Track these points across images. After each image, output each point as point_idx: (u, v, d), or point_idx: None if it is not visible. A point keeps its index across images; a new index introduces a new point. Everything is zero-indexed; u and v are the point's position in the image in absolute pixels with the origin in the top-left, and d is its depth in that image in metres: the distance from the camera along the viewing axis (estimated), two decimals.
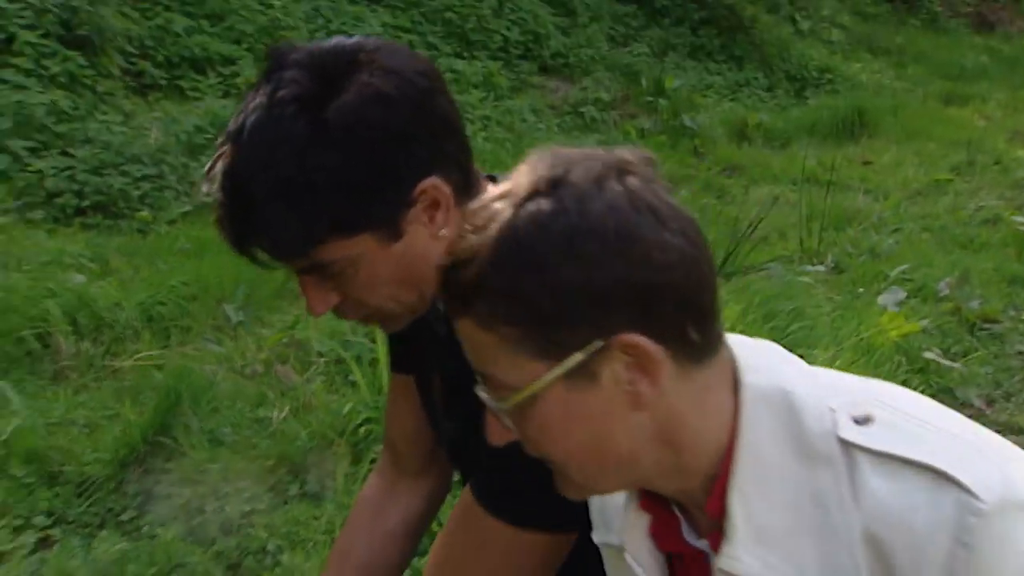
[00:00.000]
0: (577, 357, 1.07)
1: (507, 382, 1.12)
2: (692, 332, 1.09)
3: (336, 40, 1.43)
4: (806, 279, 5.00)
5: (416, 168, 1.39)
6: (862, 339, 4.06)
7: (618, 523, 1.29)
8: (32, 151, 5.15)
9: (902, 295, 4.44)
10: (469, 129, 6.79)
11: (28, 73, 5.62)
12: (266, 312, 4.16)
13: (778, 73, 10.11)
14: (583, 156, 1.12)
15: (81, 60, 5.88)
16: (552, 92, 8.27)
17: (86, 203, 4.98)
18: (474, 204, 1.14)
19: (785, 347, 3.87)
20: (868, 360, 3.95)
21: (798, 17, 11.56)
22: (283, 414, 3.35)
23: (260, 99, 1.35)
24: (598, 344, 1.07)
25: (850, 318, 4.33)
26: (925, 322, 4.28)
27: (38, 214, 4.86)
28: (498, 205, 1.10)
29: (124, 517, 2.95)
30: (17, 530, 2.86)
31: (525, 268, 1.07)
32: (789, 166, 7.42)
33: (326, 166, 1.33)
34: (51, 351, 3.70)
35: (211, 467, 3.05)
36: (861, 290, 4.88)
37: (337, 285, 1.42)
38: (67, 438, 3.21)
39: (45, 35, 5.85)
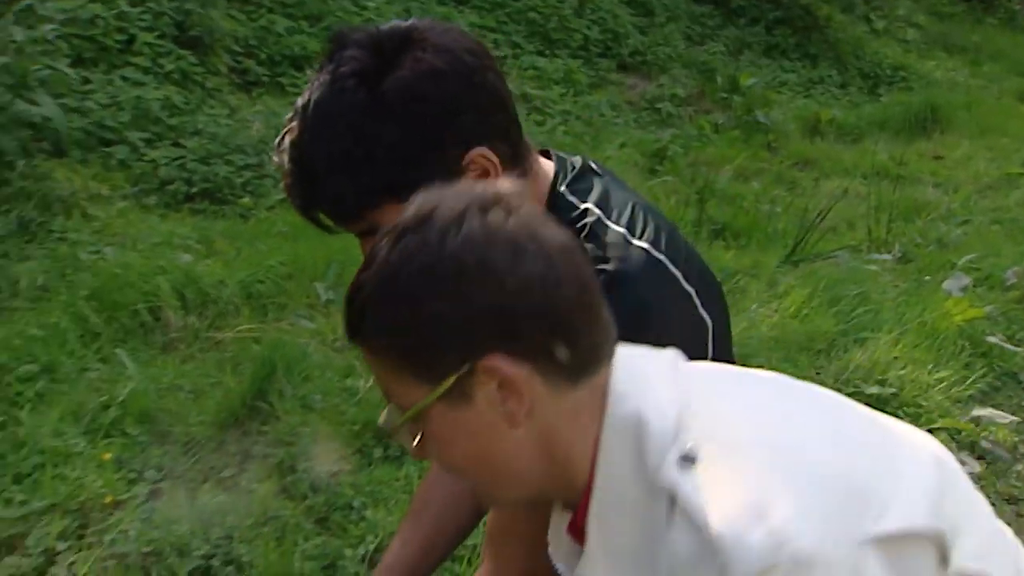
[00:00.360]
0: (450, 380, 1.13)
1: (399, 403, 1.19)
2: (560, 352, 1.13)
3: (392, 22, 1.48)
4: (873, 267, 4.94)
5: (465, 138, 1.44)
6: (925, 323, 4.02)
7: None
8: (147, 142, 5.27)
9: (967, 281, 4.38)
10: (549, 123, 6.91)
11: (146, 71, 5.76)
12: None
13: (852, 71, 9.94)
14: (453, 194, 1.16)
15: (192, 59, 6.01)
16: (630, 88, 8.24)
17: (194, 190, 5.07)
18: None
19: (848, 330, 3.87)
20: (931, 343, 3.91)
21: (873, 17, 11.35)
22: (369, 384, 3.40)
23: (323, 77, 1.43)
24: (466, 368, 1.12)
25: (915, 303, 4.28)
26: (990, 308, 4.21)
27: (152, 200, 4.97)
28: (383, 242, 1.15)
29: (225, 474, 3.02)
30: (131, 482, 2.95)
31: (396, 301, 1.13)
32: (860, 160, 7.30)
33: (382, 136, 1.40)
34: (161, 324, 3.79)
35: (303, 431, 3.11)
36: (927, 278, 4.81)
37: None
38: (175, 402, 3.29)
39: (161, 36, 5.98)
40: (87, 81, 5.47)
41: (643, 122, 7.84)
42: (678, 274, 1.51)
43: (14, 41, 4.83)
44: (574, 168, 1.61)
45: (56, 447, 2.99)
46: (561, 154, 1.66)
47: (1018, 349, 4.02)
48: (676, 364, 1.23)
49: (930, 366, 3.74)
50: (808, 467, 1.09)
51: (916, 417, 3.35)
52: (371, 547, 2.66)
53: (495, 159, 1.45)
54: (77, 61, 5.53)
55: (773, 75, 9.34)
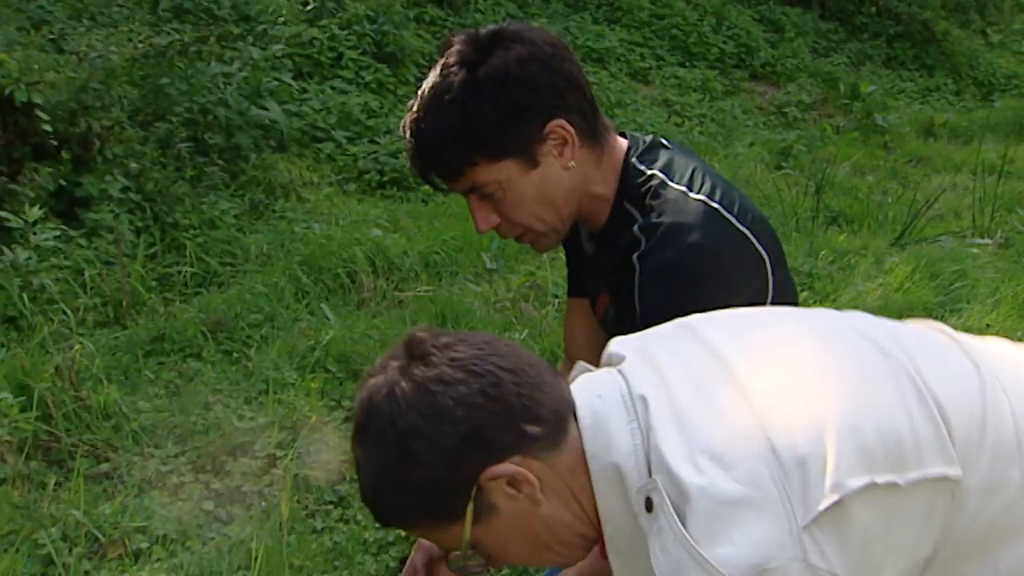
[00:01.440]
0: (470, 509, 1.14)
1: (449, 545, 1.20)
2: (532, 430, 1.13)
3: (491, 25, 1.57)
4: (974, 250, 4.76)
5: (544, 110, 1.51)
6: (1019, 296, 3.87)
7: None
8: (349, 140, 5.50)
9: None
10: (687, 125, 6.88)
11: (350, 81, 6.01)
12: (514, 262, 4.32)
13: (966, 79, 9.51)
14: (380, 367, 1.16)
15: (387, 71, 6.23)
16: (760, 95, 8.11)
17: (385, 179, 5.26)
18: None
19: (946, 301, 3.74)
20: (1022, 316, 3.77)
21: (989, 31, 10.81)
22: (523, 336, 3.51)
23: (436, 68, 1.52)
24: (474, 492, 1.13)
25: (1010, 280, 4.12)
26: None
27: (351, 186, 5.20)
28: (356, 448, 1.17)
29: None
30: (331, 408, 3.11)
31: (392, 497, 1.15)
32: (970, 158, 6.97)
33: (478, 109, 1.48)
34: (356, 285, 3.98)
35: None
36: None
37: (494, 207, 1.55)
38: (366, 347, 3.43)
39: (363, 53, 6.23)
40: (304, 91, 5.74)
41: (771, 125, 7.71)
42: (732, 218, 1.53)
43: (252, 59, 5.12)
44: (645, 143, 1.64)
45: (275, 378, 3.20)
46: (635, 134, 1.69)
47: None
48: (631, 390, 1.16)
49: (1020, 333, 3.60)
50: (740, 491, 1.05)
51: None
52: None
53: (571, 130, 1.53)
54: (298, 75, 5.81)
55: (892, 84, 9.03)
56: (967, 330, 3.61)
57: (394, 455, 1.13)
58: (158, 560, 2.29)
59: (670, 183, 1.56)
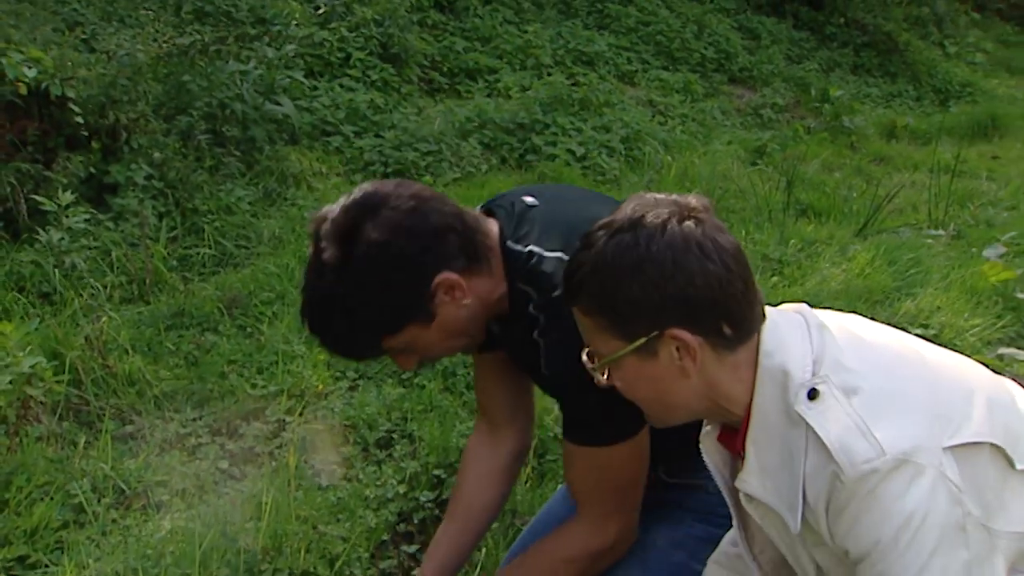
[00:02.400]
0: (642, 340, 1.22)
1: (599, 351, 1.28)
2: (726, 329, 1.22)
3: (348, 207, 1.46)
4: (929, 240, 4.79)
5: (424, 275, 1.45)
6: (966, 281, 3.90)
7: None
8: (356, 134, 5.51)
9: (1003, 250, 4.20)
10: (670, 124, 6.89)
11: (357, 80, 6.02)
12: None
13: (926, 87, 9.52)
14: (658, 203, 1.24)
15: (392, 71, 6.23)
16: (738, 97, 8.11)
17: (389, 170, 5.25)
18: (589, 229, 1.26)
19: (902, 286, 3.77)
20: (969, 297, 3.79)
21: (946, 43, 10.83)
22: None
23: (311, 266, 1.47)
24: (655, 333, 1.21)
25: (959, 267, 4.15)
26: (1021, 271, 4.05)
27: (358, 177, 5.17)
28: (599, 233, 1.24)
29: (404, 375, 3.13)
30: (337, 378, 3.13)
31: (609, 284, 1.21)
32: (927, 158, 6.98)
33: (362, 302, 1.44)
34: None
35: None
36: (973, 250, 4.62)
37: (411, 354, 1.54)
38: None
39: (370, 54, 6.23)
40: (315, 88, 5.75)
41: (747, 125, 7.72)
42: None
43: (267, 58, 5.12)
44: (512, 216, 1.58)
45: (285, 350, 3.22)
46: (500, 204, 1.62)
47: None
48: (809, 322, 1.27)
49: (966, 315, 3.64)
50: (902, 399, 1.19)
51: None
52: None
53: (454, 275, 1.46)
54: (309, 73, 5.83)
55: (858, 89, 9.04)
56: (919, 312, 3.67)
57: (658, 271, 1.20)
58: (178, 511, 2.32)
59: (547, 255, 1.51)
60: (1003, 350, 3.37)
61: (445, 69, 6.61)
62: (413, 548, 2.36)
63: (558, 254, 1.50)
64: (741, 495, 1.33)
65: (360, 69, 6.05)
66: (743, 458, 1.29)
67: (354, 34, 6.22)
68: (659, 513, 1.72)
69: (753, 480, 1.27)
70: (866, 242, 4.66)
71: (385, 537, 2.38)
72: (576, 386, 1.46)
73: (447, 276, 1.46)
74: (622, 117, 6.38)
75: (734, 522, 1.46)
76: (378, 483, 2.58)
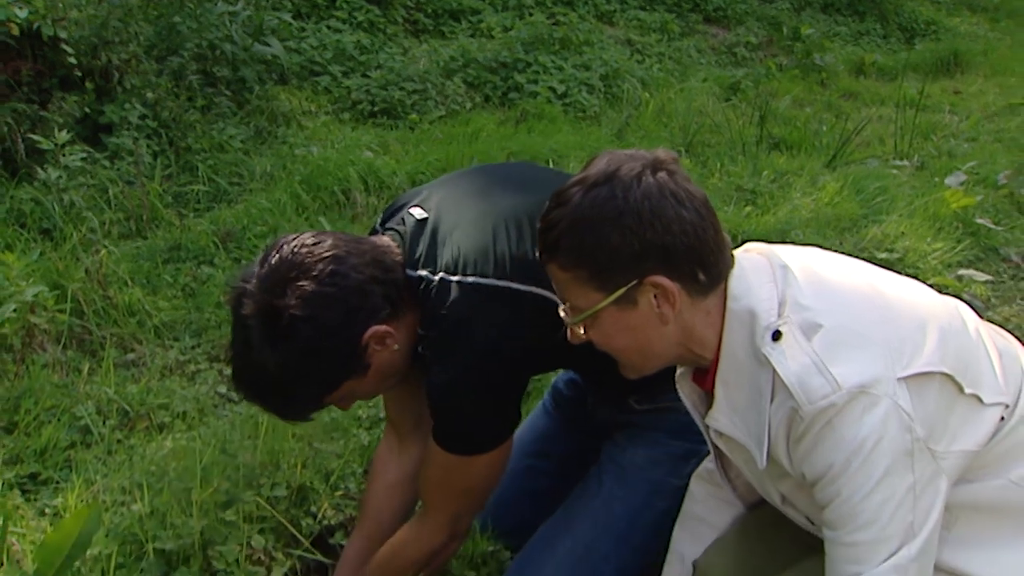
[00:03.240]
0: (621, 291, 1.20)
1: (578, 306, 1.25)
2: (700, 275, 1.21)
3: (264, 281, 1.38)
4: (894, 171, 4.77)
5: (353, 336, 1.40)
6: (928, 208, 3.89)
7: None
8: (344, 73, 5.41)
9: (963, 178, 4.19)
10: (647, 62, 6.79)
11: (344, 21, 5.88)
12: None
13: (892, 25, 9.37)
14: (630, 157, 1.21)
15: (377, 12, 6.09)
16: (712, 36, 7.97)
17: (376, 108, 5.19)
18: (560, 187, 1.22)
19: (869, 213, 3.78)
20: (932, 223, 3.79)
21: None
22: None
23: (238, 344, 1.42)
24: (635, 282, 1.19)
25: (922, 195, 4.14)
26: (980, 198, 4.05)
27: (345, 115, 5.12)
28: (573, 189, 1.21)
29: None
30: None
31: (588, 234, 1.18)
32: (894, 94, 6.90)
33: (296, 376, 1.39)
34: (351, 201, 3.94)
35: None
36: (936, 179, 4.61)
37: (350, 400, 1.52)
38: None
39: None
40: (303, 29, 5.63)
41: (722, 63, 7.61)
42: (488, 282, 1.43)
43: None
44: (405, 238, 1.52)
45: None
46: (395, 225, 1.56)
47: (1000, 228, 3.87)
48: (773, 263, 1.27)
49: (928, 239, 3.63)
50: (859, 335, 1.19)
51: (914, 275, 3.26)
52: None
53: (382, 327, 1.42)
54: (297, 15, 5.70)
55: (828, 27, 8.90)
56: (885, 237, 3.67)
57: (636, 220, 1.17)
58: (179, 432, 2.32)
59: (433, 277, 1.46)
60: (962, 271, 3.39)
61: (429, 10, 6.46)
62: None
63: (440, 276, 1.45)
64: (711, 431, 1.35)
65: (346, 11, 5.92)
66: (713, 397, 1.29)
67: None
68: (634, 435, 1.72)
69: (722, 418, 1.28)
70: (835, 173, 4.64)
71: None
72: (457, 389, 1.46)
73: (376, 330, 1.41)
74: (601, 56, 6.28)
75: (710, 450, 1.47)
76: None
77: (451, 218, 1.52)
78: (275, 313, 1.36)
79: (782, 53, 7.96)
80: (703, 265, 1.20)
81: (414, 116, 5.15)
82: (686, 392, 1.40)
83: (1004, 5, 11.04)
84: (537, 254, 1.26)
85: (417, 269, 1.49)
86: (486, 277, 1.44)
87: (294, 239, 1.42)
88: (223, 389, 2.69)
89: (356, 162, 4.08)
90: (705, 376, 1.33)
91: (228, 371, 2.74)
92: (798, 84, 6.98)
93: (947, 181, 4.20)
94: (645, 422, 1.69)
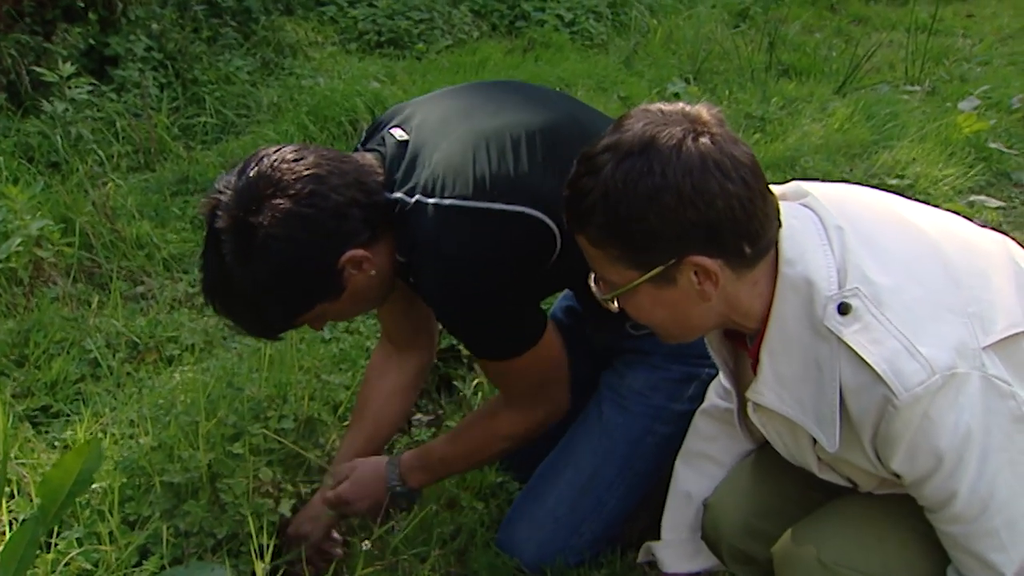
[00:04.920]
0: (659, 269, 1.08)
1: (610, 281, 1.13)
2: (746, 248, 1.08)
3: (241, 194, 1.32)
4: (905, 96, 4.60)
5: (329, 258, 1.34)
6: (940, 133, 3.75)
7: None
8: (350, 3, 5.23)
9: (977, 102, 4.03)
10: None
11: None
12: None
13: None
14: (667, 119, 1.06)
15: None
16: None
17: (383, 39, 5.02)
18: (590, 149, 1.09)
19: (879, 139, 3.65)
20: (943, 148, 3.65)
21: None
22: None
23: (210, 260, 1.35)
24: (673, 261, 1.07)
25: (934, 120, 3.99)
26: (993, 122, 3.89)
27: (352, 46, 4.96)
28: (605, 156, 1.06)
29: None
30: None
31: (621, 212, 1.05)
32: (905, 18, 6.63)
33: (271, 298, 1.33)
34: (357, 132, 3.79)
35: None
36: (948, 104, 4.44)
37: (322, 320, 1.45)
38: None
39: None
40: None
41: None
42: (466, 203, 1.35)
43: None
44: (386, 160, 1.44)
45: None
46: (376, 145, 1.47)
47: (1013, 153, 3.72)
48: (826, 223, 1.14)
49: (940, 165, 3.50)
50: (934, 305, 1.08)
51: (925, 202, 3.17)
52: None
53: (361, 251, 1.36)
54: None
55: None
56: (896, 163, 3.54)
57: (676, 198, 1.05)
58: (187, 364, 2.26)
59: (409, 200, 1.38)
60: (973, 197, 3.27)
61: None
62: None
63: (416, 198, 1.37)
64: (749, 405, 1.24)
65: None
66: (755, 367, 1.19)
67: None
68: (632, 360, 1.67)
69: (768, 392, 1.16)
70: (845, 99, 4.48)
71: None
72: (463, 316, 1.41)
73: (353, 254, 1.36)
74: None
75: (732, 398, 1.39)
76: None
77: (431, 140, 1.43)
78: (249, 230, 1.30)
79: None
80: (749, 238, 1.07)
81: (421, 46, 4.99)
82: (715, 346, 1.31)
83: None
84: (565, 221, 1.15)
85: (394, 191, 1.41)
86: (464, 199, 1.35)
87: (275, 152, 1.35)
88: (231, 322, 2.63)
89: (363, 92, 3.95)
90: (737, 338, 1.24)
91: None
92: (807, 10, 6.72)
93: (960, 106, 4.04)
94: (643, 346, 1.63)
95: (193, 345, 2.39)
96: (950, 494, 1.08)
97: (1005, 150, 3.69)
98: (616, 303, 1.15)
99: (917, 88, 4.80)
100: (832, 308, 1.08)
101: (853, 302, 1.07)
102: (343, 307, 1.43)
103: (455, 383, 2.35)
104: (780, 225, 1.12)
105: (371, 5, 5.20)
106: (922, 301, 1.08)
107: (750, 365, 1.23)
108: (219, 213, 1.33)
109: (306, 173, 1.32)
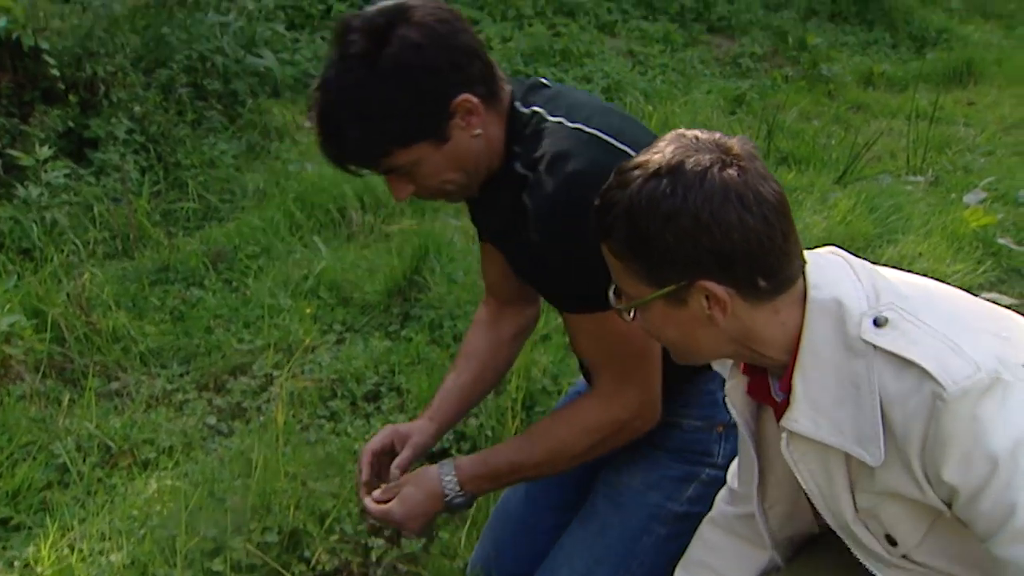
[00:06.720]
0: (671, 288, 1.15)
1: (627, 294, 1.22)
2: (761, 282, 1.15)
3: (381, 9, 1.42)
4: (908, 187, 4.70)
5: (448, 90, 1.41)
6: (947, 227, 3.82)
7: (726, 372, 1.36)
8: None
9: (983, 195, 4.12)
10: (650, 74, 6.73)
11: None
12: None
13: (902, 34, 9.30)
14: (699, 146, 1.15)
15: None
16: (717, 47, 7.92)
17: None
18: (624, 164, 1.18)
19: (883, 232, 3.72)
20: (951, 243, 3.72)
21: None
22: None
23: (334, 59, 1.41)
24: (685, 283, 1.14)
25: (940, 213, 4.07)
26: (1001, 216, 3.97)
27: None
28: (635, 172, 1.15)
29: (391, 328, 3.08)
30: (323, 331, 3.05)
31: (641, 230, 1.14)
32: (905, 105, 6.80)
33: (383, 102, 1.38)
34: (346, 220, 3.87)
35: (448, 298, 3.12)
36: (953, 195, 4.53)
37: (410, 179, 1.47)
38: (355, 275, 3.35)
39: (350, 5, 5.86)
40: (296, 40, 5.55)
41: (727, 74, 7.54)
42: (611, 139, 1.46)
43: (247, 10, 4.94)
44: (525, 86, 1.56)
45: (271, 304, 3.13)
46: (518, 79, 1.61)
47: (1023, 249, 3.80)
48: (852, 262, 1.23)
49: (948, 260, 3.57)
50: (967, 323, 1.16)
51: None
52: None
53: (475, 100, 1.43)
54: (290, 25, 5.62)
55: (835, 37, 8.82)
56: (902, 258, 3.60)
57: (692, 222, 1.12)
58: (164, 469, 2.24)
59: (549, 117, 1.48)
60: (985, 295, 3.31)
61: None
62: None
63: (559, 119, 1.47)
64: (782, 440, 1.24)
65: None
66: (787, 398, 1.21)
67: None
68: (632, 453, 1.67)
69: (803, 419, 1.19)
70: (846, 189, 4.57)
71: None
72: (564, 250, 1.43)
73: (468, 98, 1.42)
74: (603, 67, 6.22)
75: (752, 473, 1.38)
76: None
77: (578, 95, 1.58)
78: (386, 33, 1.38)
79: (788, 64, 7.90)
80: (764, 273, 1.14)
81: None
82: (736, 403, 1.33)
83: (1019, 12, 10.97)
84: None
85: (527, 107, 1.51)
86: (606, 134, 1.46)
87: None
88: (212, 420, 2.61)
89: (351, 179, 3.93)
90: (763, 384, 1.27)
91: (218, 401, 2.68)
92: (805, 96, 6.91)
93: (966, 199, 4.13)
94: (646, 437, 1.63)
95: (171, 447, 2.36)
96: (1010, 505, 1.08)
97: (1014, 246, 3.76)
98: (632, 315, 1.23)
99: (920, 179, 4.91)
100: (867, 322, 1.14)
101: (889, 314, 1.13)
102: (436, 164, 1.45)
103: None
104: (804, 263, 1.19)
105: None
106: (958, 317, 1.15)
107: (774, 420, 1.26)
108: (354, 21, 1.41)
109: (441, 7, 1.43)
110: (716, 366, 1.40)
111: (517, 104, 1.51)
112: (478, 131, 1.45)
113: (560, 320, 2.93)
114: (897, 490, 1.16)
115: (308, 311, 3.10)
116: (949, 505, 1.14)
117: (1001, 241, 3.78)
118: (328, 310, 3.19)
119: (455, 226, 3.85)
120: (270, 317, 3.04)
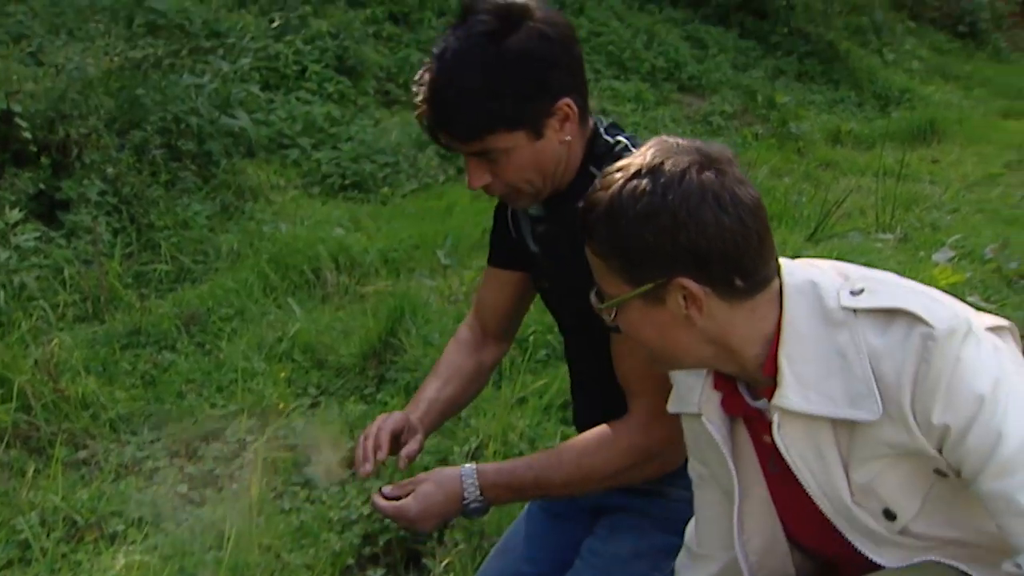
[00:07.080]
0: (649, 286, 1.20)
1: (607, 292, 1.25)
2: (737, 281, 1.19)
3: (512, 4, 1.47)
4: (878, 244, 4.78)
5: (559, 88, 1.45)
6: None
7: (695, 398, 1.35)
8: (313, 146, 5.34)
9: (951, 254, 4.19)
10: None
11: (313, 92, 5.84)
12: (467, 258, 4.19)
13: (867, 93, 9.55)
14: (679, 150, 1.21)
15: (348, 83, 6.06)
16: (687, 106, 8.07)
17: (347, 182, 5.12)
18: (607, 168, 1.24)
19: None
20: None
21: (885, 51, 10.89)
22: None
23: (459, 32, 1.44)
24: (662, 280, 1.19)
25: (909, 271, 4.12)
26: (970, 274, 4.04)
27: (315, 189, 5.06)
28: (617, 175, 1.21)
29: (366, 391, 3.07)
30: (298, 395, 3.03)
31: (620, 229, 1.19)
32: (873, 162, 6.98)
33: (501, 81, 1.41)
34: (321, 281, 3.87)
35: (424, 360, 3.08)
36: (921, 253, 4.62)
37: (491, 168, 1.47)
38: (330, 338, 3.35)
39: (326, 66, 6.02)
40: (271, 101, 5.58)
41: (698, 132, 7.67)
42: None
43: (222, 71, 4.97)
44: (607, 123, 1.60)
45: (245, 368, 3.10)
46: (598, 117, 1.63)
47: (991, 306, 3.85)
48: (819, 263, 1.28)
49: None
50: (933, 295, 1.21)
51: None
52: (473, 446, 2.65)
53: (575, 108, 1.47)
54: (265, 86, 5.65)
55: (803, 96, 9.04)
56: None
57: (670, 220, 1.17)
58: (133, 542, 2.19)
59: (632, 148, 1.50)
60: None
61: (401, 81, 6.44)
62: (379, 572, 2.25)
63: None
64: (774, 424, 1.24)
65: (316, 82, 5.88)
66: (770, 395, 1.23)
67: (309, 47, 6.05)
68: (622, 521, 1.67)
69: (793, 395, 1.21)
70: (818, 247, 4.63)
71: (350, 561, 2.27)
72: None
73: (570, 103, 1.46)
74: None
75: (728, 504, 1.37)
76: (342, 504, 2.46)
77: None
78: (519, 17, 1.43)
79: (758, 122, 8.05)
80: (741, 272, 1.18)
81: (386, 190, 5.10)
82: (713, 419, 1.33)
83: (976, 74, 11.33)
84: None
85: (612, 137, 1.55)
86: None
87: None
88: (184, 489, 2.56)
89: (326, 240, 4.02)
90: (736, 398, 1.29)
91: (190, 468, 2.63)
92: (775, 153, 7.04)
93: (935, 257, 4.19)
94: (635, 506, 1.64)
95: (140, 519, 2.31)
96: (996, 434, 1.12)
97: (983, 304, 3.81)
98: (612, 315, 1.26)
99: (889, 236, 4.98)
100: (845, 292, 1.19)
101: (863, 284, 1.19)
102: (524, 158, 1.46)
103: (424, 560, 2.29)
104: (779, 267, 1.23)
105: (335, 148, 5.34)
106: (925, 290, 1.22)
107: (750, 439, 1.30)
108: (482, 4, 1.45)
109: (567, 24, 1.50)
110: (672, 406, 1.39)
111: (602, 131, 1.55)
112: (567, 138, 1.48)
113: (537, 383, 2.94)
114: (891, 442, 1.18)
115: (282, 374, 3.08)
116: (940, 451, 1.17)
117: (970, 299, 3.82)
118: (302, 373, 3.17)
119: (431, 287, 3.85)
120: (243, 381, 3.01)
